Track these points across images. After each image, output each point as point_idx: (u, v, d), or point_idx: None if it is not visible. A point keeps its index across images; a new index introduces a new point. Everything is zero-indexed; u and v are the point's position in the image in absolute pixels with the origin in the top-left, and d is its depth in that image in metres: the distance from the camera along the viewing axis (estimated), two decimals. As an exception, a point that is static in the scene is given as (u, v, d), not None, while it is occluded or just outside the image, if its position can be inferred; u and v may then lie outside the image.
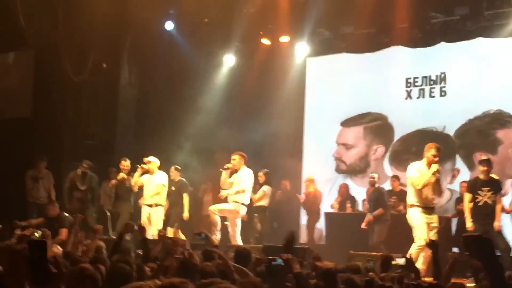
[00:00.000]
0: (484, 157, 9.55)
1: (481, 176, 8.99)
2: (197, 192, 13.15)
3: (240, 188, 9.83)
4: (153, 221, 10.41)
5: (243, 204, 9.89)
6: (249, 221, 11.06)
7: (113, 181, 11.67)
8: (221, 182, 10.00)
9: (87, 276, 3.66)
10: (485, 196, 8.81)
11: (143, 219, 10.42)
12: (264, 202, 11.16)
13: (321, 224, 12.69)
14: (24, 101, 13.80)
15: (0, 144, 12.78)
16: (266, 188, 11.13)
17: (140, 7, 13.06)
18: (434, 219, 8.38)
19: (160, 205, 10.61)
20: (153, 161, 10.62)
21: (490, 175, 8.98)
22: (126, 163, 11.41)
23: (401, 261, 5.18)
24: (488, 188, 8.84)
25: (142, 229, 6.53)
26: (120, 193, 11.70)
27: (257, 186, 10.94)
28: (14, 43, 13.50)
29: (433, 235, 8.13)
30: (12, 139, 12.84)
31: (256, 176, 10.50)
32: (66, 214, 9.33)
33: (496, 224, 8.78)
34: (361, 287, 4.08)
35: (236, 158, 9.87)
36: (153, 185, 10.59)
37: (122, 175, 11.43)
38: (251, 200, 10.45)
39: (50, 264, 2.79)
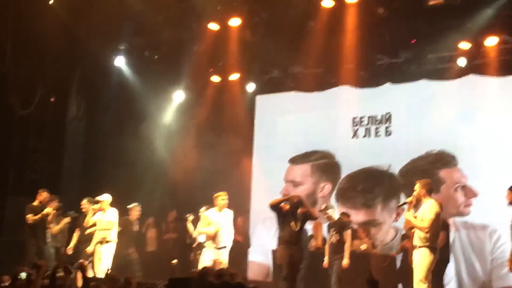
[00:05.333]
0: None
1: None
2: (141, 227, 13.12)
3: None
4: (102, 258, 10.38)
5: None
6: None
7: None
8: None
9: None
10: None
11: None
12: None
13: (268, 260, 12.75)
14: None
15: None
16: None
17: (90, 41, 13.04)
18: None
19: (110, 241, 10.54)
20: (104, 200, 10.61)
21: None
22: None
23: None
24: None
25: (83, 268, 6.39)
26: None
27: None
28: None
29: None
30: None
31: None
32: None
33: None
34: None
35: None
36: (104, 222, 10.58)
37: (47, 210, 10.92)
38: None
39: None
